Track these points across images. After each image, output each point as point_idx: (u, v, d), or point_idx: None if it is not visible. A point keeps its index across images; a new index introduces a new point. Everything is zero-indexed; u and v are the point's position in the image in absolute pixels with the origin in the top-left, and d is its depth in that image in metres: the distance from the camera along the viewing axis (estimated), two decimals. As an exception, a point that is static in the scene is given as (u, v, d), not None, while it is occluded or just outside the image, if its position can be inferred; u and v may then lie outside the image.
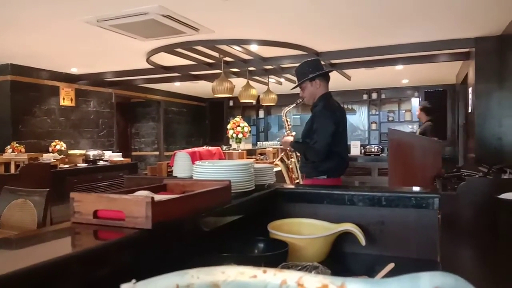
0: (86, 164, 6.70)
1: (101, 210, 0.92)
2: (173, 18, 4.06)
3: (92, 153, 6.91)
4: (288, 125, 3.25)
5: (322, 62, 5.77)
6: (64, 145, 6.78)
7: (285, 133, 3.21)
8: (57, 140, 6.74)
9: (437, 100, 9.23)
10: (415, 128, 9.70)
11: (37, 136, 6.68)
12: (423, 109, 6.46)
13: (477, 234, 2.72)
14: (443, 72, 7.48)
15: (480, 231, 2.76)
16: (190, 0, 3.61)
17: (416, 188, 1.47)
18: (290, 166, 3.20)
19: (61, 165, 6.26)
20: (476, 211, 2.90)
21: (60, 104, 7.07)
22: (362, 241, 1.33)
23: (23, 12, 3.89)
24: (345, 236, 1.43)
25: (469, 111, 5.28)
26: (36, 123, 6.68)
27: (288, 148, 3.18)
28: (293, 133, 3.16)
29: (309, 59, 3.11)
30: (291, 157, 3.21)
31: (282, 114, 3.38)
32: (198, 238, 1.08)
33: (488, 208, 2.81)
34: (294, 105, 3.27)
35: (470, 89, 5.21)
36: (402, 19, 4.23)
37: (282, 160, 3.21)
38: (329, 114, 2.84)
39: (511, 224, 2.63)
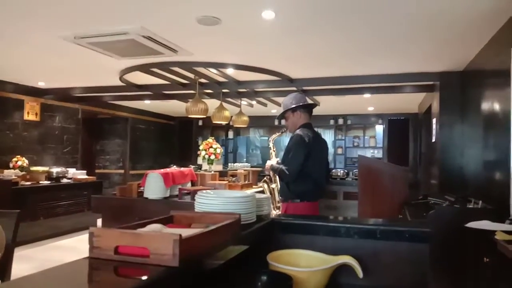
0: (49, 182, 6.44)
1: (124, 246, 0.92)
2: (153, 39, 4.06)
3: (55, 170, 6.67)
4: (273, 151, 3.39)
5: (295, 88, 6.01)
6: (26, 161, 6.50)
7: (270, 159, 3.36)
8: (18, 156, 6.45)
9: (400, 128, 9.69)
10: (376, 153, 10.11)
11: (-3, 151, 6.37)
12: None
13: (448, 263, 2.85)
14: (407, 102, 7.85)
15: (450, 259, 2.90)
16: (172, 23, 3.64)
17: (409, 222, 1.55)
18: (273, 191, 3.30)
19: (23, 182, 5.99)
20: (445, 239, 3.04)
21: (24, 119, 6.79)
22: (360, 273, 1.38)
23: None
24: (340, 267, 1.48)
25: (433, 140, 5.56)
26: (-3, 138, 6.38)
27: (270, 172, 3.31)
28: (277, 159, 3.28)
29: (293, 93, 3.39)
30: (275, 181, 3.32)
31: (269, 141, 3.53)
32: (212, 272, 1.09)
33: (457, 236, 2.96)
34: (280, 133, 3.50)
35: (434, 120, 5.51)
36: (371, 52, 4.46)
37: (266, 182, 3.33)
38: (300, 139, 3.07)
39: (478, 252, 2.78)
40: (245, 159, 11.17)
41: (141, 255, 0.90)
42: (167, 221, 1.25)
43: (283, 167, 3.02)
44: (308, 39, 4.06)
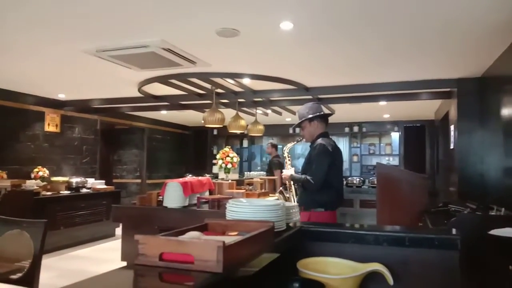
0: (69, 192, 6.54)
1: (168, 253, 0.96)
2: (172, 51, 4.14)
3: (75, 180, 6.77)
4: (289, 160, 3.42)
5: (311, 96, 6.04)
6: (47, 172, 6.63)
7: (286, 168, 3.38)
8: (39, 167, 6.59)
9: (416, 135, 9.61)
10: (391, 160, 10.04)
11: (19, 162, 6.51)
12: (273, 146, 7.56)
13: (471, 270, 2.82)
14: (423, 109, 7.81)
15: (473, 266, 2.87)
16: (192, 35, 3.72)
17: (438, 230, 1.56)
18: (289, 200, 3.32)
19: (44, 192, 6.10)
20: (467, 247, 3.01)
21: (45, 130, 6.96)
22: (390, 280, 1.40)
23: (18, 36, 3.79)
24: (367, 275, 1.49)
25: (451, 147, 5.52)
26: (19, 149, 6.53)
27: (288, 181, 3.32)
28: (293, 168, 3.31)
29: (309, 103, 3.41)
30: (290, 191, 3.34)
31: (284, 150, 3.55)
32: (247, 279, 1.12)
33: (479, 243, 2.94)
34: (295, 142, 3.53)
35: (452, 127, 5.47)
36: (386, 60, 4.47)
37: (281, 192, 3.35)
38: (323, 148, 3.09)
39: (502, 260, 2.75)
40: (259, 168, 11.20)
41: (185, 261, 0.94)
42: (202, 229, 1.29)
43: (308, 177, 3.03)
44: (323, 49, 4.10)
